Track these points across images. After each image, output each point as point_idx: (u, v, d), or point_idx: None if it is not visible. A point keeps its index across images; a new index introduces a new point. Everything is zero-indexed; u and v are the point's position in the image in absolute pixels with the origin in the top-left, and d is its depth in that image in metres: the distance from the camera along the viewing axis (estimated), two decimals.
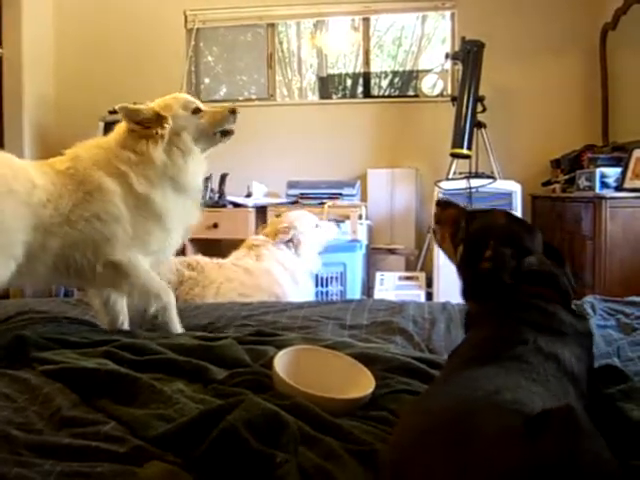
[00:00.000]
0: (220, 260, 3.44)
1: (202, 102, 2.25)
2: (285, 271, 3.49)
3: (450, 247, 1.59)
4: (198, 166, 2.18)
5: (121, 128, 2.08)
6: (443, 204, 1.67)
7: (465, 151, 4.63)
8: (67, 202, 1.87)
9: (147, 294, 2.01)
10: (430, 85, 5.57)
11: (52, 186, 1.87)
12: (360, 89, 6.17)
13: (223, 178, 5.22)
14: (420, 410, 1.04)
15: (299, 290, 3.50)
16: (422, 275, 4.81)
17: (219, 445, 1.07)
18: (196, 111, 2.17)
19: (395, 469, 0.92)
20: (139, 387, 1.39)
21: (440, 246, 1.67)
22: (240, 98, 6.33)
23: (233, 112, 2.24)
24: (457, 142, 4.65)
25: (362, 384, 1.44)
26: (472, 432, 0.86)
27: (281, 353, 1.51)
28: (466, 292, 1.48)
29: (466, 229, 1.52)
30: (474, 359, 1.17)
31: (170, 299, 2.05)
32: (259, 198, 5.30)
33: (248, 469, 1.03)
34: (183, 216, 2.13)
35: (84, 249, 1.90)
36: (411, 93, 6.12)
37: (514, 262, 1.37)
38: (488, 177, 4.66)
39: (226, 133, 2.24)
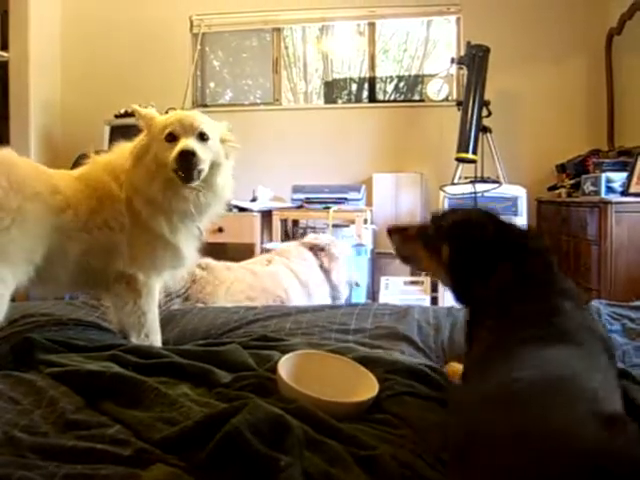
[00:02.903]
0: (228, 263, 3.47)
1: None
2: (294, 278, 3.53)
3: (428, 255, 1.60)
4: (161, 192, 1.92)
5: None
6: (394, 230, 1.70)
7: (470, 156, 4.63)
8: (85, 208, 1.87)
9: (140, 325, 1.98)
10: (435, 90, 5.57)
11: (70, 192, 1.88)
12: (365, 94, 6.18)
13: None
14: (489, 392, 1.04)
15: (309, 298, 3.55)
16: (427, 280, 4.80)
17: (223, 448, 1.07)
18: (169, 138, 1.91)
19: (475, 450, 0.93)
20: (144, 390, 1.39)
21: (414, 263, 1.74)
22: (245, 102, 6.34)
23: (184, 156, 1.86)
24: (462, 147, 4.65)
25: (366, 388, 1.45)
26: (558, 422, 0.89)
27: (285, 357, 1.51)
28: (463, 287, 1.51)
29: (444, 227, 1.56)
30: (528, 336, 1.19)
31: (156, 342, 2.01)
32: (264, 202, 5.30)
33: (252, 472, 1.03)
34: (184, 234, 2.03)
35: (97, 256, 1.90)
36: (416, 98, 6.13)
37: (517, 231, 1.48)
38: (493, 182, 4.66)
39: (185, 177, 1.89)
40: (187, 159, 1.86)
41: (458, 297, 1.53)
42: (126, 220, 1.92)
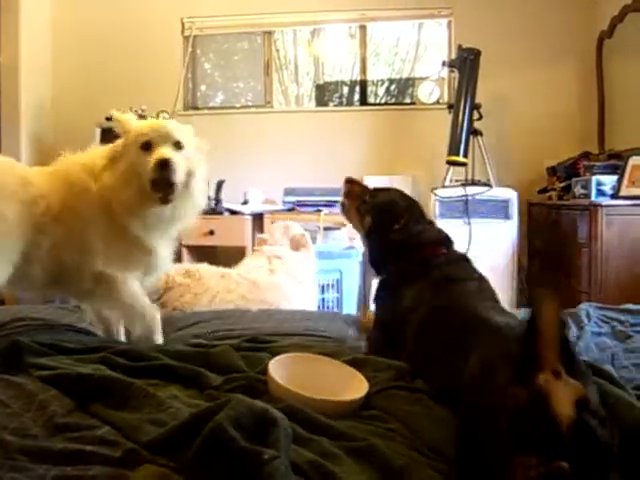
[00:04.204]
0: (226, 270, 3.34)
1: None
2: (296, 285, 3.44)
3: (356, 217, 1.96)
4: (136, 199, 1.93)
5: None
6: (350, 181, 2.04)
7: (461, 158, 4.64)
8: (58, 200, 1.87)
9: (132, 314, 2.00)
10: (427, 92, 5.59)
11: (44, 184, 1.88)
12: (357, 96, 6.18)
13: (220, 185, 5.21)
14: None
15: (305, 298, 3.48)
16: None
17: (207, 446, 1.07)
18: (145, 147, 1.92)
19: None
20: (132, 392, 1.39)
21: (347, 216, 2.05)
22: (237, 105, 6.34)
23: (162, 166, 1.87)
24: (453, 149, 4.66)
25: (356, 387, 1.46)
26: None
27: (275, 359, 1.52)
28: (378, 259, 1.87)
29: (372, 203, 1.88)
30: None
31: (154, 318, 2.02)
32: (256, 205, 5.30)
33: (236, 467, 1.02)
34: (160, 237, 2.04)
35: (71, 251, 1.89)
36: (408, 100, 6.14)
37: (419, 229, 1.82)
38: (484, 184, 4.68)
39: (162, 198, 1.92)
40: (164, 168, 1.87)
41: (371, 264, 1.90)
42: (100, 220, 1.92)
